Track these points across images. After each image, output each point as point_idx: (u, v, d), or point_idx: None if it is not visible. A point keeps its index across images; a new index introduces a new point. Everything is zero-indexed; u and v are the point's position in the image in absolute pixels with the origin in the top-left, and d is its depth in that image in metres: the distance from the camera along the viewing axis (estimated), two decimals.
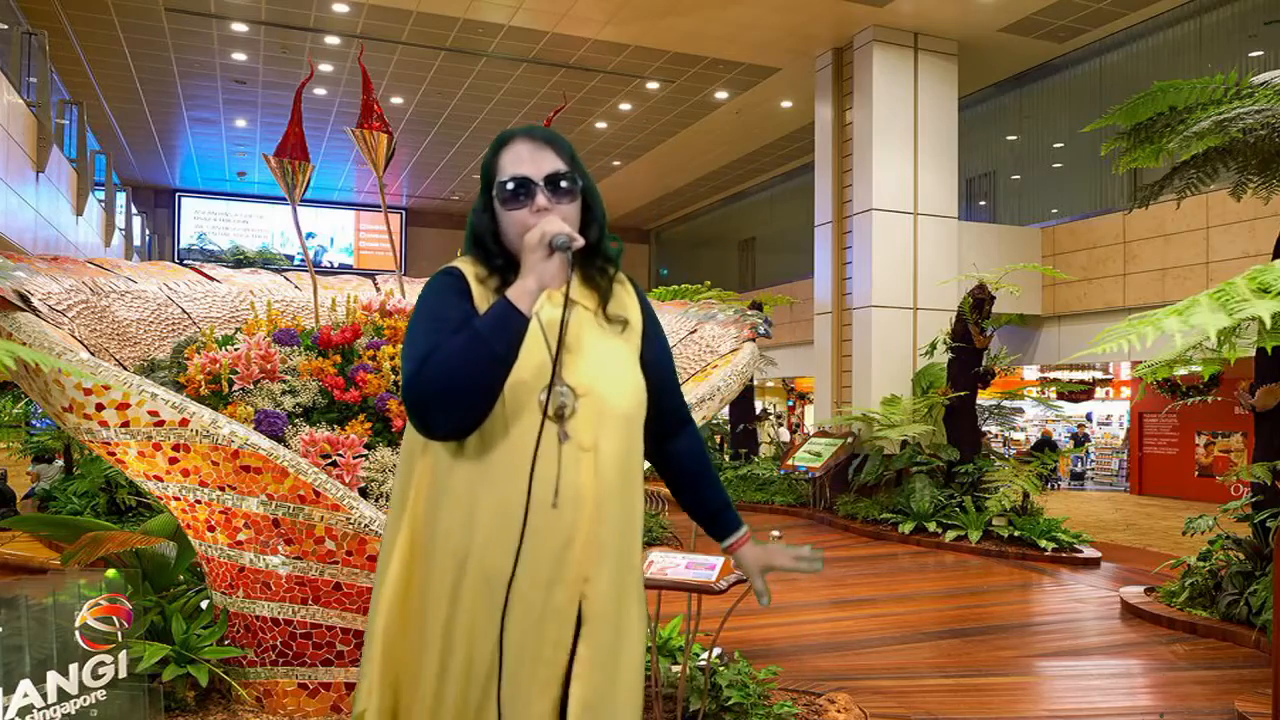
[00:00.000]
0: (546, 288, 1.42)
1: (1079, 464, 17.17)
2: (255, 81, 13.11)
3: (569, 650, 1.45)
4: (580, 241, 1.44)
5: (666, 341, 1.69)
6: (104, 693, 2.55)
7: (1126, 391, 17.59)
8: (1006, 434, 12.39)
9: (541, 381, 1.44)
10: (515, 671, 1.44)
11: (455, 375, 1.37)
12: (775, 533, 2.67)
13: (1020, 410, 10.52)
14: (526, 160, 1.51)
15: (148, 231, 19.97)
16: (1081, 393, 16.51)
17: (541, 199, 1.49)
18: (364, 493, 3.28)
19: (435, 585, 1.46)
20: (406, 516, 1.51)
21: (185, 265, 4.62)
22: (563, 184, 1.50)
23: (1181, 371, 3.50)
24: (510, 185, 1.50)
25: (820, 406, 11.50)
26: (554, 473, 1.43)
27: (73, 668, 2.47)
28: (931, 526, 7.98)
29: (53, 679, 2.41)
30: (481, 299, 1.51)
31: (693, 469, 1.70)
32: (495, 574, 1.43)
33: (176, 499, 3.06)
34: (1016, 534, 7.45)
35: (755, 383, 15.95)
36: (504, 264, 1.54)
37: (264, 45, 11.73)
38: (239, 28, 11.16)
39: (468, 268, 1.55)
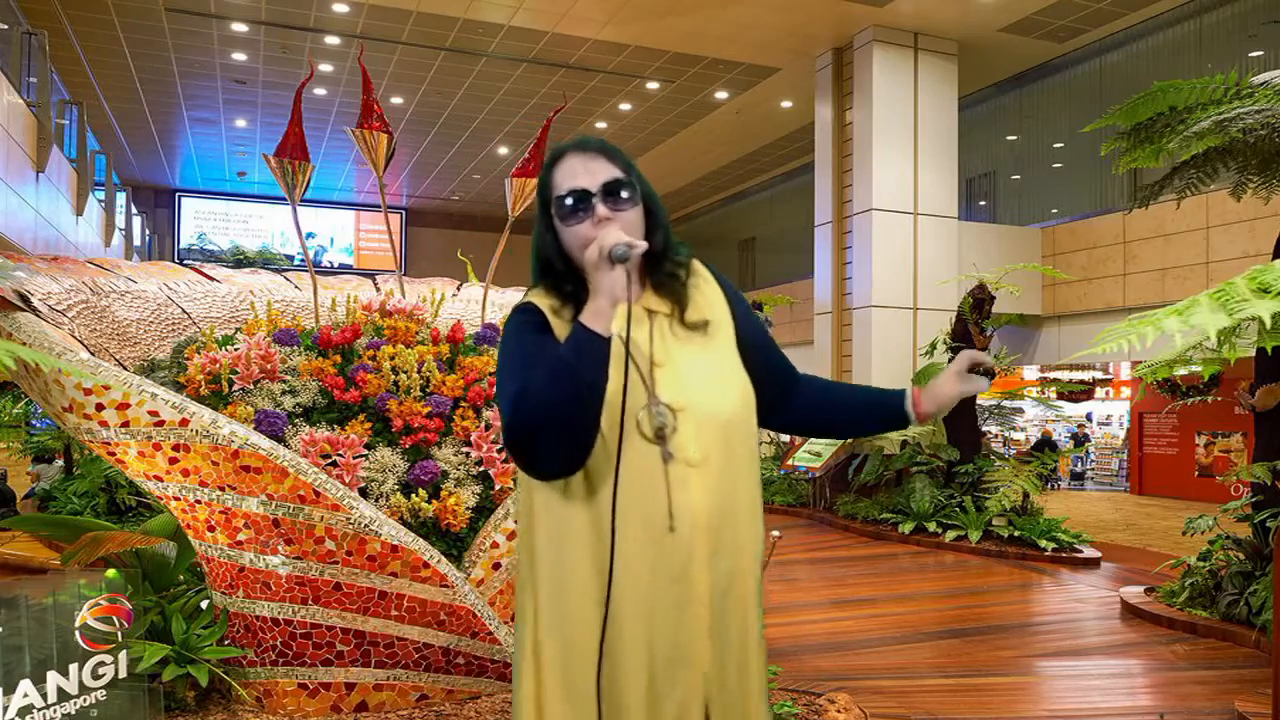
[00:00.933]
0: (619, 301, 1.36)
1: (1079, 464, 17.18)
2: (255, 81, 13.11)
3: (704, 669, 1.42)
4: (642, 246, 1.38)
5: (754, 315, 1.64)
6: (104, 693, 2.55)
7: (1126, 391, 17.59)
8: (1006, 434, 12.37)
9: (633, 404, 1.39)
10: (654, 695, 1.41)
11: (551, 411, 1.32)
12: (775, 532, 2.68)
13: (1020, 410, 10.51)
14: (581, 172, 1.46)
15: (148, 231, 19.97)
16: (1081, 393, 16.51)
17: (602, 209, 1.44)
18: (364, 493, 3.28)
19: (578, 628, 1.42)
20: (530, 552, 1.48)
21: (185, 265, 4.62)
22: (622, 193, 1.46)
23: (1181, 371, 3.50)
24: (568, 200, 1.45)
25: None
26: (663, 495, 1.39)
27: (73, 668, 2.47)
28: (931, 526, 7.97)
29: (53, 679, 2.41)
30: (561, 330, 1.46)
31: (835, 399, 1.66)
32: (628, 608, 1.40)
33: (176, 499, 3.06)
34: (1016, 534, 7.45)
35: None
36: (574, 289, 1.49)
37: (264, 45, 11.72)
38: (239, 28, 11.16)
39: (541, 300, 1.51)
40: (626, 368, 1.37)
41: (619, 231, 1.40)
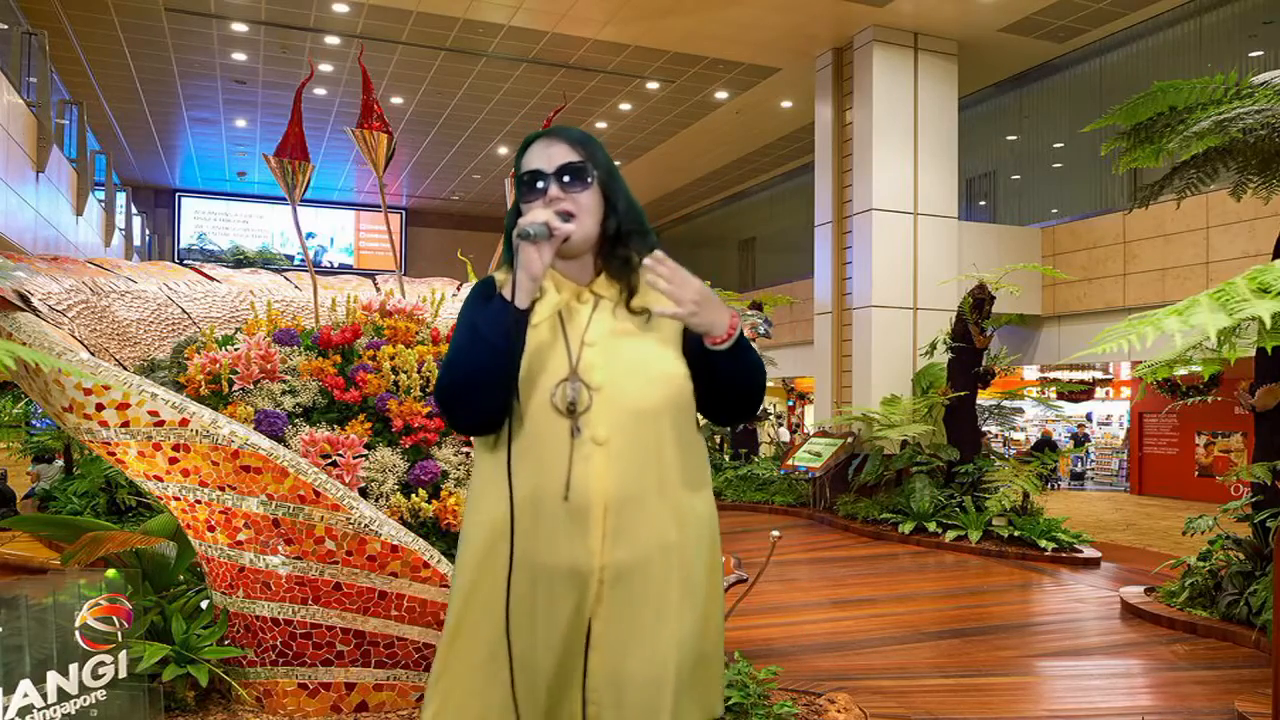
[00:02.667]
0: (536, 277, 1.46)
1: (1079, 464, 17.19)
2: (255, 81, 13.11)
3: (584, 637, 1.46)
4: (565, 229, 1.48)
5: None
6: (104, 693, 2.55)
7: (1126, 391, 17.60)
8: (1006, 434, 12.38)
9: (556, 377, 1.49)
10: (529, 655, 1.48)
11: (462, 371, 1.47)
12: (775, 532, 2.67)
13: (1020, 410, 10.51)
14: (541, 156, 1.55)
15: (148, 231, 19.97)
16: (1081, 393, 16.52)
17: (554, 190, 1.53)
18: (364, 493, 3.29)
19: (467, 570, 1.54)
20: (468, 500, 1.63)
21: (185, 265, 4.62)
22: (575, 176, 1.54)
23: (1181, 371, 3.51)
24: (524, 179, 1.56)
25: (820, 406, 11.50)
26: (565, 466, 1.46)
27: (73, 668, 2.47)
28: (931, 526, 7.97)
29: (53, 679, 2.41)
30: None
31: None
32: (513, 558, 1.48)
33: (176, 499, 3.06)
34: (1016, 534, 7.44)
35: None
36: None
37: (264, 45, 11.72)
38: (239, 28, 11.16)
39: (500, 274, 1.63)
40: (519, 337, 1.46)
41: (545, 212, 1.50)
